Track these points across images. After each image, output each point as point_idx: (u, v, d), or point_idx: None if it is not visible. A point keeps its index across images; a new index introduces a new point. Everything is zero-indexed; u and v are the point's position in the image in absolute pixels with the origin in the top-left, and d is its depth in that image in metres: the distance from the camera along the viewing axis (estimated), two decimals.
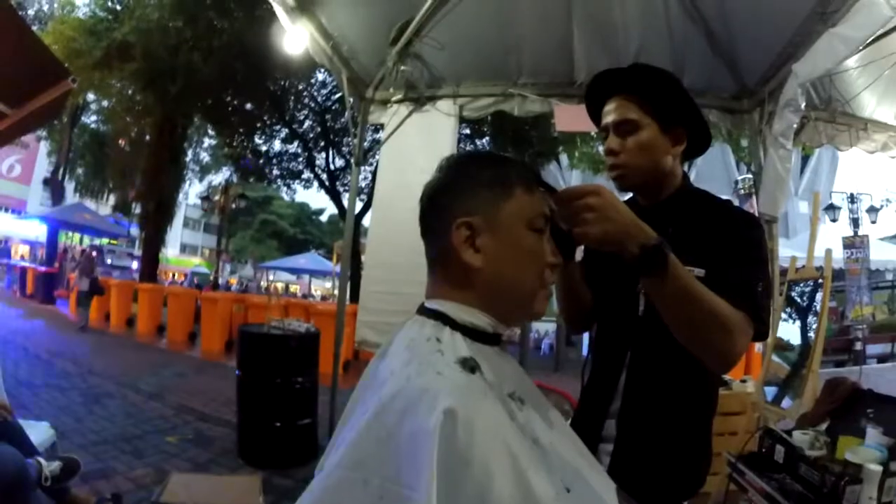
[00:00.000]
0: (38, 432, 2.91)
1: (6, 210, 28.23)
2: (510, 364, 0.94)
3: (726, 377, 3.52)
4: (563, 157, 15.91)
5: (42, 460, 2.38)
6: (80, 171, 24.70)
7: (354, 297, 5.66)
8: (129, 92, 16.38)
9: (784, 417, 2.91)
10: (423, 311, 0.92)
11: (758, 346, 5.53)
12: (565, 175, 21.08)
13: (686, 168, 1.49)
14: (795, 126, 3.29)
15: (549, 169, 16.81)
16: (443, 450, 0.66)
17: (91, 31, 14.39)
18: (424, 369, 0.77)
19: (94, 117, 21.32)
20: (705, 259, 1.21)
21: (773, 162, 3.36)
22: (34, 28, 15.20)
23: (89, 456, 3.87)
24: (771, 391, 3.40)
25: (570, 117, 3.93)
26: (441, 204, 0.92)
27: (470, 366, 0.79)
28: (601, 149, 1.43)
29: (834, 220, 15.40)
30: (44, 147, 25.59)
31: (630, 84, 1.37)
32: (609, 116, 1.38)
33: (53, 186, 23.33)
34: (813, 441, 2.05)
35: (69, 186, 25.30)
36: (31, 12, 18.81)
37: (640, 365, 1.38)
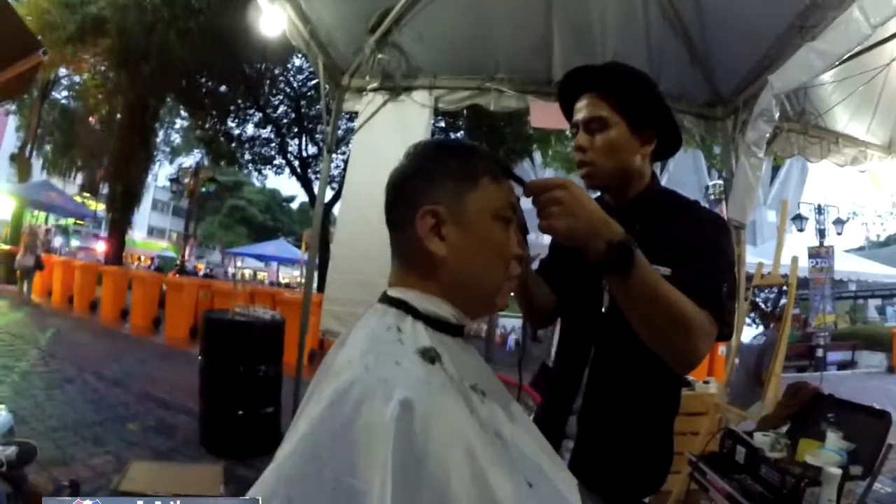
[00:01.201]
0: None
1: None
2: (473, 357, 0.92)
3: (689, 378, 3.57)
4: (537, 156, 15.99)
5: None
6: (48, 147, 24.02)
7: (322, 288, 5.61)
8: (102, 69, 16.03)
9: (745, 419, 2.95)
10: (385, 299, 0.90)
11: (721, 348, 5.65)
12: (538, 173, 21.19)
13: (658, 172, 1.48)
14: (768, 136, 3.34)
15: (522, 166, 16.89)
16: (398, 444, 0.63)
17: (66, 4, 14.08)
18: (382, 359, 0.75)
19: (65, 93, 20.77)
20: (671, 258, 1.21)
21: (744, 170, 3.40)
22: None
23: (48, 442, 3.80)
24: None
25: (545, 114, 3.94)
26: (407, 192, 0.90)
27: (430, 356, 0.78)
28: None
29: (801, 230, 15.82)
30: (12, 121, 24.83)
31: (602, 82, 1.36)
32: (579, 113, 1.38)
33: (20, 163, 22.63)
34: (774, 443, 2.08)
35: (36, 164, 24.51)
36: None
37: (602, 362, 1.38)
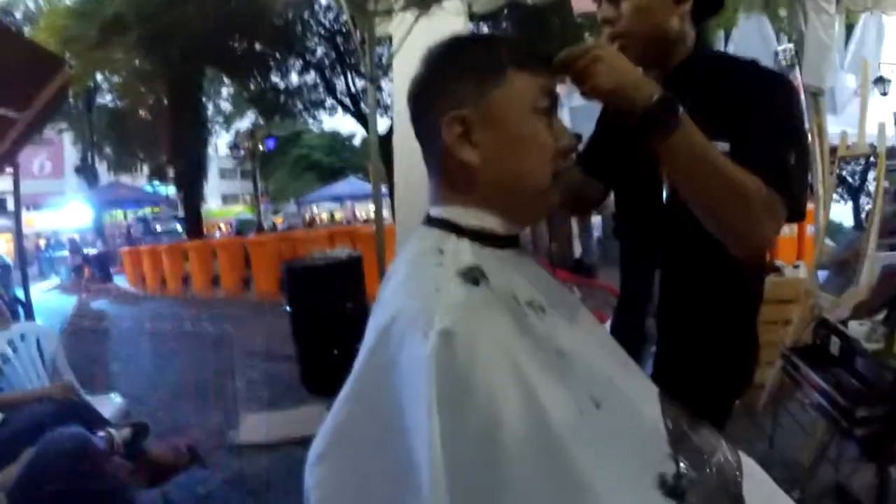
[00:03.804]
0: (109, 404, 3.10)
1: (46, 207, 28.93)
2: (530, 268, 0.85)
3: (778, 262, 3.40)
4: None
5: (112, 430, 2.51)
6: (107, 150, 24.95)
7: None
8: (136, 62, 16.20)
9: (839, 306, 2.79)
10: (428, 220, 0.85)
11: (810, 228, 5.27)
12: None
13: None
14: None
15: None
16: (441, 377, 0.60)
17: (80, 14, 14.17)
18: (421, 286, 0.71)
19: (109, 97, 21.30)
20: (728, 130, 1.06)
21: (814, 29, 3.07)
22: (26, 28, 15.41)
23: (163, 413, 4.10)
24: (825, 276, 3.26)
25: None
26: (427, 101, 0.83)
27: (473, 277, 0.72)
28: None
29: (884, 94, 14.48)
30: (67, 138, 25.81)
31: None
32: None
33: (85, 172, 23.73)
34: (870, 333, 1.92)
35: (101, 168, 25.61)
36: (18, 15, 18.53)
37: (673, 257, 1.25)
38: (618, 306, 1.45)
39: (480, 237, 0.80)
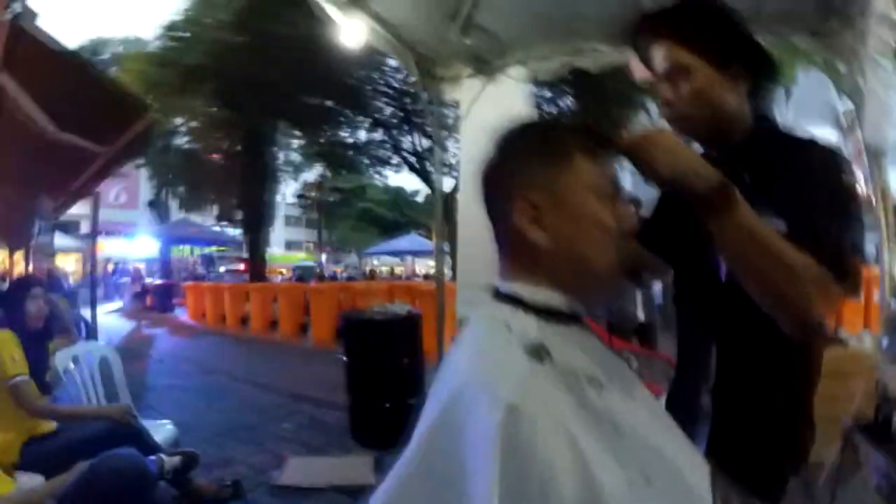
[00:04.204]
0: (161, 431, 3.20)
1: (118, 235, 30.62)
2: (591, 342, 0.88)
3: (843, 333, 3.23)
4: (653, 107, 15.23)
5: (164, 457, 2.60)
6: (180, 189, 26.31)
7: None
8: (213, 110, 17.15)
9: None
10: (496, 294, 0.89)
11: (877, 294, 4.95)
12: (657, 126, 20.14)
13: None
14: (894, 43, 2.94)
15: (639, 121, 16.17)
16: (505, 447, 0.65)
17: (162, 61, 15.18)
18: (490, 361, 0.76)
19: (185, 138, 22.58)
20: (784, 209, 1.08)
21: (873, 86, 3.01)
22: (112, 69, 16.51)
23: (210, 446, 4.16)
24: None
25: None
26: (498, 183, 0.89)
27: (539, 354, 0.76)
28: None
29: None
30: (144, 173, 27.36)
31: (673, 24, 1.23)
32: (657, 64, 1.25)
33: (158, 207, 24.99)
34: None
35: (173, 204, 27.03)
36: (106, 56, 19.94)
37: (730, 335, 1.26)
38: (674, 380, 1.47)
39: (545, 313, 0.83)
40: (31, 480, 2.21)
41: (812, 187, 1.10)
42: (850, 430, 2.02)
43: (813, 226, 1.04)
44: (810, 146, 1.21)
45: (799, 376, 1.26)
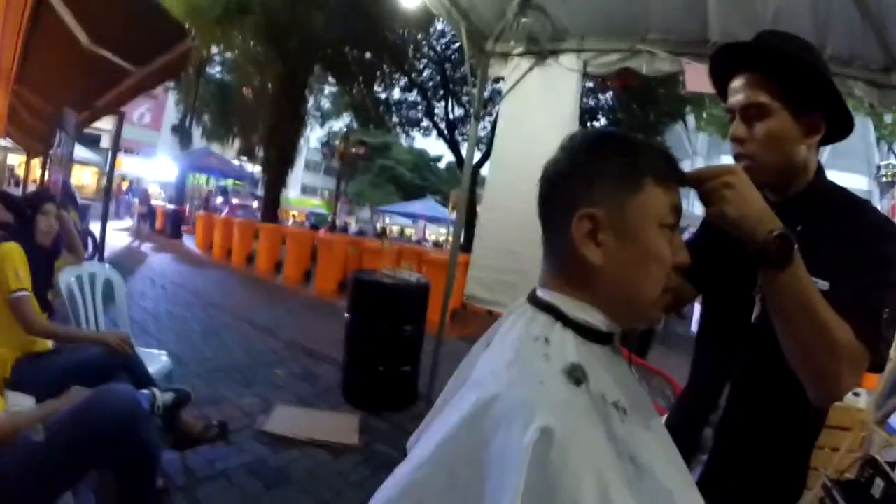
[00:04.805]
0: (156, 362, 3.19)
1: (138, 154, 30.69)
2: (619, 365, 0.86)
3: None
4: (690, 119, 15.02)
5: (157, 391, 2.58)
6: (206, 117, 26.22)
7: (467, 247, 5.66)
8: (251, 44, 17.00)
9: (893, 445, 2.57)
10: (535, 300, 0.86)
11: None
12: (691, 138, 19.89)
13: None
14: None
15: (674, 130, 15.96)
16: (533, 470, 0.63)
17: None
18: (527, 376, 0.73)
19: (218, 68, 22.42)
20: (831, 269, 1.06)
21: None
22: None
23: (202, 382, 4.20)
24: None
25: (701, 78, 3.61)
26: (562, 190, 0.83)
27: (576, 377, 0.74)
28: None
29: None
30: (172, 97, 27.27)
31: (760, 60, 1.16)
32: (735, 97, 1.19)
33: (182, 132, 25.04)
34: None
35: (196, 132, 27.02)
36: None
37: (747, 376, 1.24)
38: (679, 406, 1.46)
39: (584, 331, 0.81)
40: (23, 401, 2.19)
41: (862, 255, 1.09)
42: (831, 484, 2.00)
43: (857, 296, 1.03)
44: (866, 209, 1.18)
45: (807, 427, 1.27)
